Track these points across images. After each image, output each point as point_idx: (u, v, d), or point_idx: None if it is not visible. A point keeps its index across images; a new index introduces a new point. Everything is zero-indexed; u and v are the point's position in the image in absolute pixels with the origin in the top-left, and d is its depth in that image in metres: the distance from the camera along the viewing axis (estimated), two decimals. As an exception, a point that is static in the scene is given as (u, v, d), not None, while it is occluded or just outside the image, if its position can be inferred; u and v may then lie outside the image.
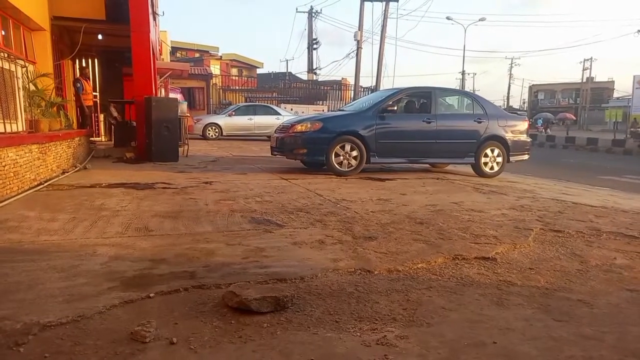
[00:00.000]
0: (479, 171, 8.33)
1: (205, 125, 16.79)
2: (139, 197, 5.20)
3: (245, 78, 30.06)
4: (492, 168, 8.35)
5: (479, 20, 45.67)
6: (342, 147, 7.48)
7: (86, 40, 10.50)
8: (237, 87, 26.39)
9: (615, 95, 51.39)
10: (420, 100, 8.34)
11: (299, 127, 7.58)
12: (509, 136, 8.42)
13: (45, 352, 1.83)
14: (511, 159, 8.46)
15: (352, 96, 23.14)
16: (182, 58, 32.21)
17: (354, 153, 7.52)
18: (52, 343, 1.91)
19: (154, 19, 11.72)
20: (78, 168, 7.54)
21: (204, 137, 16.46)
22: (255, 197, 5.38)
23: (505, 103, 61.77)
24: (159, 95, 11.16)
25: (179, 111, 9.82)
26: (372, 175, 7.93)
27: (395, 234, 3.84)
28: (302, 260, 3.11)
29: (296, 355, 1.87)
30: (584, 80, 49.13)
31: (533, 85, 61.97)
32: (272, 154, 8.42)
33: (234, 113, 17.22)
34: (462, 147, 8.17)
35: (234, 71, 35.72)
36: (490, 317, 2.31)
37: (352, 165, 7.55)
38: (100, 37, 11.14)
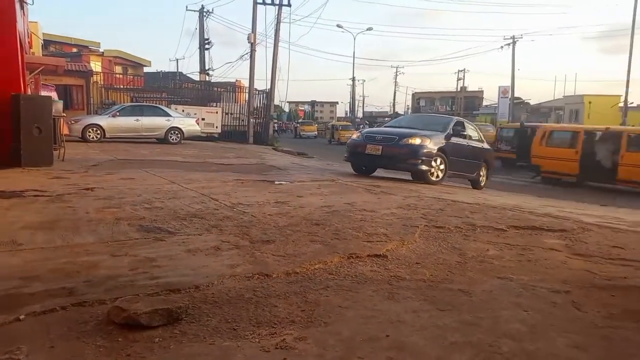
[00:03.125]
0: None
1: (86, 126, 15.41)
2: (3, 207, 4.59)
3: (131, 77, 28.15)
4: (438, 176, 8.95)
5: (367, 29, 48.29)
6: (435, 161, 8.45)
7: None
8: (122, 86, 24.62)
9: (485, 103, 57.52)
10: (461, 126, 9.60)
11: (411, 141, 8.30)
12: None
13: None
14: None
15: (246, 98, 22.90)
16: (57, 52, 29.23)
17: (442, 166, 8.59)
18: None
19: (22, 7, 10.46)
20: None
21: (83, 139, 15.09)
22: (143, 203, 5.05)
23: (392, 109, 65.82)
24: (28, 92, 9.98)
25: (54, 110, 8.86)
26: (268, 178, 7.92)
27: (292, 236, 3.86)
28: (196, 268, 2.98)
29: (192, 369, 1.78)
30: (458, 89, 54.24)
31: (415, 92, 66.90)
32: (356, 169, 9.20)
33: (118, 113, 16.03)
34: (474, 163, 9.77)
35: (118, 69, 33.31)
36: (382, 312, 2.42)
37: (439, 176, 8.61)
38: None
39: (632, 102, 26.51)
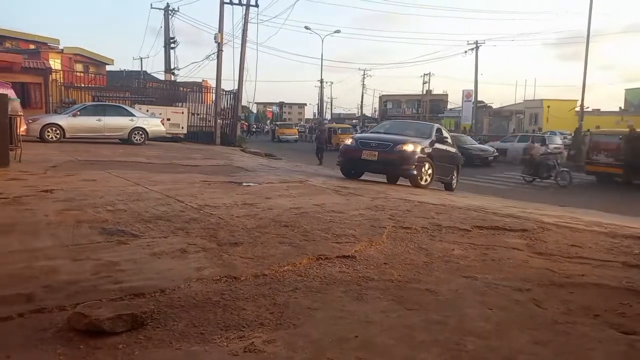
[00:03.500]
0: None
1: (44, 126, 14.80)
2: (-45, 210, 4.36)
3: (93, 75, 27.27)
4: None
5: (335, 32, 48.54)
6: (424, 166, 8.84)
7: None
8: (83, 85, 23.81)
9: (449, 106, 58.83)
10: (440, 133, 9.97)
11: (405, 147, 8.57)
12: None
13: None
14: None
15: (213, 99, 22.60)
16: (13, 49, 27.97)
17: (430, 171, 8.96)
18: None
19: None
20: None
21: (42, 139, 14.50)
22: (106, 205, 4.90)
23: (359, 111, 66.45)
24: (-19, 89, 9.51)
25: (10, 109, 8.47)
26: (236, 179, 7.83)
27: (261, 238, 3.83)
28: (162, 271, 2.91)
29: (158, 375, 1.74)
30: (424, 92, 55.27)
31: (383, 95, 67.76)
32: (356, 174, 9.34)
33: (79, 113, 15.49)
34: (450, 167, 10.21)
35: (79, 67, 32.23)
36: (351, 313, 2.43)
37: (427, 180, 8.94)
38: None
39: (588, 107, 27.72)
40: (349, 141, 9.41)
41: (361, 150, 8.65)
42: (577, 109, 23.90)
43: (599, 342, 2.22)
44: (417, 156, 8.61)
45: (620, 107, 47.67)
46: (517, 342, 2.18)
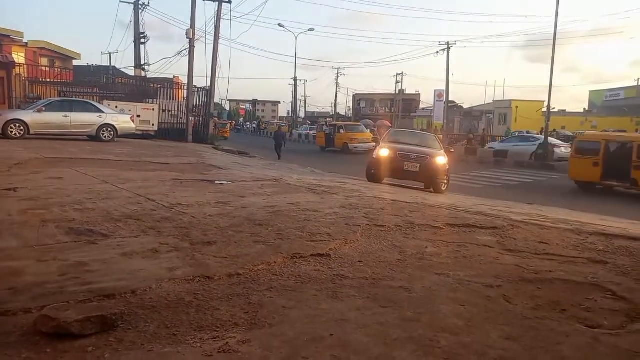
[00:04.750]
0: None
1: (7, 122, 14.22)
2: None
3: (59, 70, 26.35)
4: None
5: (309, 30, 48.46)
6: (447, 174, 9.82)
7: None
8: (49, 80, 23.02)
9: (421, 106, 59.67)
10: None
11: (439, 160, 9.61)
12: None
13: None
14: None
15: (185, 96, 22.21)
16: (-27, 41, 26.82)
17: (446, 179, 9.81)
18: None
19: None
20: None
21: (4, 136, 13.96)
22: (74, 204, 4.75)
23: (333, 109, 66.61)
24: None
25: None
26: (209, 178, 7.73)
27: (235, 237, 3.79)
28: (133, 272, 2.85)
29: (129, 378, 1.70)
30: (397, 92, 55.86)
31: (356, 94, 68.10)
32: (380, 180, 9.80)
33: (44, 109, 14.96)
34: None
35: (45, 61, 31.11)
36: (326, 311, 2.43)
37: (446, 186, 9.75)
38: None
39: (554, 108, 28.63)
40: (386, 152, 9.80)
41: (403, 162, 9.54)
42: (544, 109, 24.62)
43: (567, 336, 2.29)
44: (447, 168, 9.78)
45: (584, 108, 49.51)
46: (489, 337, 2.22)
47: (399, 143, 10.60)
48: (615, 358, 2.11)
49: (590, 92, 51.54)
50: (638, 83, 45.09)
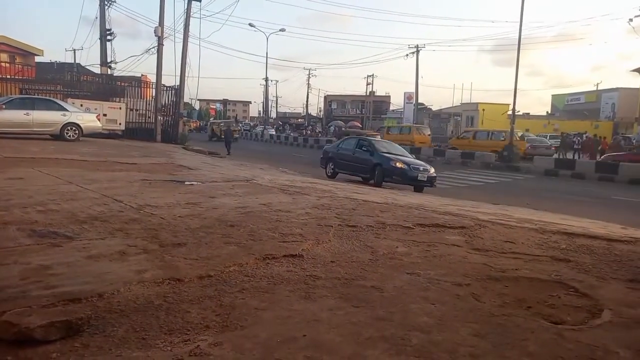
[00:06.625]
0: None
1: (-37, 120, 13.61)
2: None
3: (20, 66, 25.39)
4: None
5: (280, 30, 48.40)
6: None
7: None
8: (9, 76, 22.12)
9: (392, 107, 60.36)
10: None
11: (432, 170, 11.77)
12: None
13: None
14: None
15: (153, 94, 21.75)
16: None
17: None
18: None
19: None
20: None
21: (-39, 134, 13.33)
22: (36, 205, 4.58)
23: (305, 110, 66.61)
24: None
25: None
26: (178, 178, 7.59)
27: (205, 238, 3.74)
28: (99, 275, 2.77)
29: (96, 384, 1.65)
30: (368, 93, 56.34)
31: (328, 95, 68.29)
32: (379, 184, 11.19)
33: (4, 106, 14.35)
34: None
35: (4, 57, 29.87)
36: (299, 312, 2.43)
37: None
38: None
39: (519, 111, 29.59)
40: (402, 165, 11.50)
41: (417, 173, 11.42)
42: (510, 112, 25.31)
43: (532, 332, 2.36)
44: (435, 175, 11.79)
45: (547, 112, 51.27)
46: (459, 335, 2.27)
47: (388, 153, 12.41)
48: (578, 352, 2.18)
49: (553, 96, 53.44)
50: (597, 88, 47.01)
